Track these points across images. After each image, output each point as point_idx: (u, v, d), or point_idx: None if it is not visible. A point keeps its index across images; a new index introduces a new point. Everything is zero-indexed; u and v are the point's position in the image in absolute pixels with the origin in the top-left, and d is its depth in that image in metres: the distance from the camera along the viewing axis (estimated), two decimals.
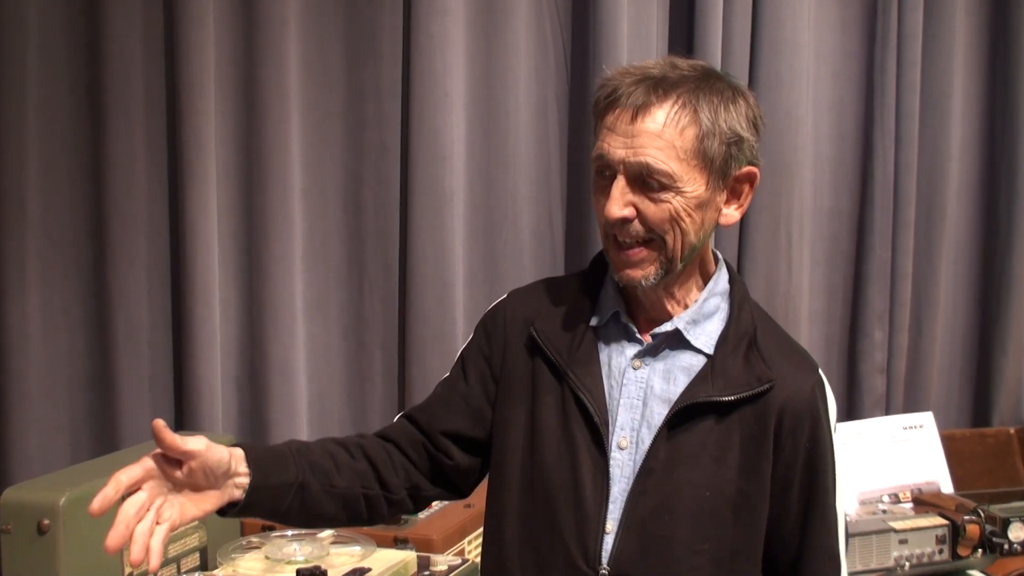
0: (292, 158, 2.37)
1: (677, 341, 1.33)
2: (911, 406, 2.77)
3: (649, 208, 1.26)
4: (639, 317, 1.36)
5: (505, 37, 2.47)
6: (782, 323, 2.51)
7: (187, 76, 2.24)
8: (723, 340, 1.32)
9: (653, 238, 1.27)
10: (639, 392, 1.32)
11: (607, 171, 1.28)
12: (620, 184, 1.26)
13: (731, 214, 1.33)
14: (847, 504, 2.31)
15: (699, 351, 1.32)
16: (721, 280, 1.37)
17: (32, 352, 2.23)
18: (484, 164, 2.50)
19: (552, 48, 2.52)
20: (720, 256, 1.40)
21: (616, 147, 1.25)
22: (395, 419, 1.47)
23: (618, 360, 1.34)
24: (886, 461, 2.44)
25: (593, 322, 1.36)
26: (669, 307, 1.34)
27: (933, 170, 2.79)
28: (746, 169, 1.30)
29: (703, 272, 1.36)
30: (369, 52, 2.42)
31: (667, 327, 1.33)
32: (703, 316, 1.34)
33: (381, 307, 2.46)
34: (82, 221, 2.28)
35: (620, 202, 1.25)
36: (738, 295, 1.36)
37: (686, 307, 1.34)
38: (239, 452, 1.24)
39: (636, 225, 1.27)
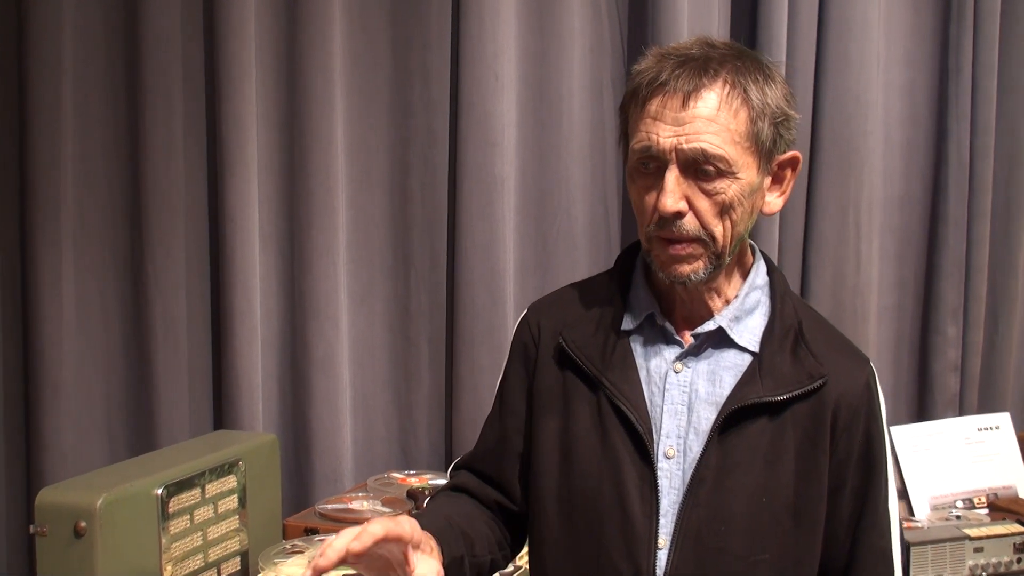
0: (336, 144, 2.32)
1: (720, 340, 1.27)
2: (986, 406, 2.66)
3: (702, 202, 1.20)
4: (675, 317, 1.29)
5: (558, 17, 2.39)
6: (849, 319, 2.49)
7: (227, 57, 2.20)
8: (768, 336, 1.27)
9: (702, 236, 1.21)
10: (683, 397, 1.26)
11: (651, 163, 1.21)
12: (674, 174, 1.19)
13: (774, 202, 1.28)
14: (918, 509, 2.25)
15: (744, 349, 1.27)
16: (760, 273, 1.32)
17: (67, 344, 2.22)
18: (536, 150, 2.43)
19: (608, 28, 2.43)
20: (757, 247, 1.33)
21: (665, 136, 1.19)
22: (453, 470, 1.42)
23: (657, 364, 1.27)
24: (960, 464, 2.36)
25: (626, 326, 1.29)
26: (711, 303, 1.28)
27: (1011, 156, 2.66)
28: (790, 154, 1.26)
29: (741, 264, 1.31)
30: (416, 33, 2.36)
31: (709, 326, 1.27)
32: (745, 312, 1.28)
33: (428, 300, 2.40)
34: (118, 208, 2.27)
35: (676, 194, 1.19)
36: (779, 288, 1.30)
37: (727, 302, 1.28)
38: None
39: (689, 220, 1.21)
